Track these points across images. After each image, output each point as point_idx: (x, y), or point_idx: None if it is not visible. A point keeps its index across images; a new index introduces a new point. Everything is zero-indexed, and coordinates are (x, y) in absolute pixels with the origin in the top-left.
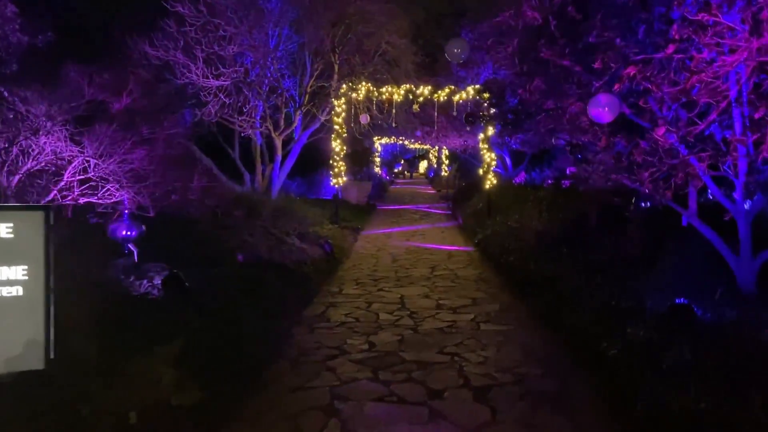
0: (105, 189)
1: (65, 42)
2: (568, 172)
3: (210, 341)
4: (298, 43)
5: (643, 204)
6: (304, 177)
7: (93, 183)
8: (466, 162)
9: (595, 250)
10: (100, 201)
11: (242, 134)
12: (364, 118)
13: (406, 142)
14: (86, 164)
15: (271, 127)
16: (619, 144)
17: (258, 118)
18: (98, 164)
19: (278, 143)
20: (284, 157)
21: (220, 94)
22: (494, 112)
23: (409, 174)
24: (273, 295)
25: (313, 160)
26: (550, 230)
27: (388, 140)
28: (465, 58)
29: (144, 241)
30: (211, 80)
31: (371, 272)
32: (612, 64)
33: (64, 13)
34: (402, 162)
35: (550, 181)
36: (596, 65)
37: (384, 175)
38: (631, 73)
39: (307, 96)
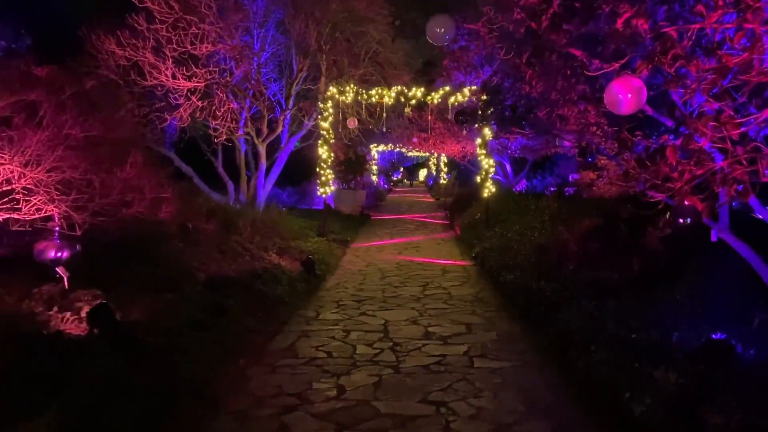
0: (31, 203)
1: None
2: (570, 179)
3: (123, 399)
4: (285, 44)
5: (681, 220)
6: (296, 186)
7: (17, 196)
8: (465, 169)
9: (605, 267)
10: (25, 217)
11: (216, 140)
12: (352, 122)
13: (404, 150)
14: (11, 174)
15: (253, 134)
16: (640, 145)
17: (242, 123)
18: (24, 173)
19: (262, 150)
20: (270, 165)
21: (193, 97)
22: (491, 111)
23: (409, 182)
24: (234, 325)
25: (305, 169)
26: (553, 244)
27: (385, 147)
28: (450, 38)
29: (86, 263)
30: (182, 81)
31: (356, 292)
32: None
33: (36, 16)
34: (401, 170)
35: (552, 189)
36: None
37: (382, 183)
38: (660, 50)
39: (291, 100)
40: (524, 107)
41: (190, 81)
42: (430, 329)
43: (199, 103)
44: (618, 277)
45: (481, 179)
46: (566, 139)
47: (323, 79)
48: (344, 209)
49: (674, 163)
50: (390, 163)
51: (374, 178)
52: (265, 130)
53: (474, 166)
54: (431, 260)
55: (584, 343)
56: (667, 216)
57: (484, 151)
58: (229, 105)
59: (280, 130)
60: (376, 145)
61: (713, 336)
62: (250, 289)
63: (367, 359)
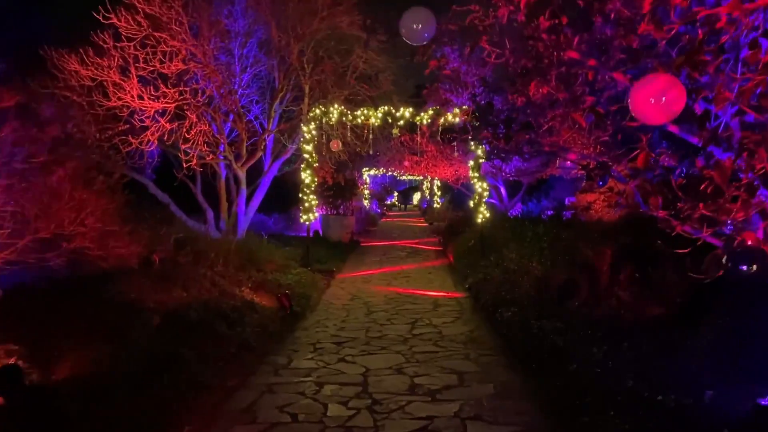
0: None
1: None
2: (567, 202)
3: None
4: (267, 65)
5: (745, 267)
6: (282, 212)
7: None
8: (458, 193)
9: (615, 304)
10: None
11: (185, 165)
12: (336, 144)
13: (396, 174)
14: None
15: (231, 158)
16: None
17: (221, 148)
18: None
19: (241, 175)
20: (253, 191)
21: (161, 119)
22: (480, 126)
23: (403, 206)
24: (185, 381)
25: (292, 194)
26: (554, 275)
27: (377, 171)
28: (429, 37)
29: (14, 309)
30: (148, 101)
31: (337, 331)
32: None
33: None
34: (395, 194)
35: (550, 212)
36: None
37: (374, 207)
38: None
39: (273, 121)
40: (519, 123)
41: (157, 102)
42: (416, 380)
43: (168, 126)
44: (630, 317)
45: (475, 204)
46: (568, 159)
47: (306, 99)
48: (333, 236)
49: (725, 189)
50: (382, 187)
51: (366, 202)
52: (244, 153)
53: (468, 189)
54: (422, 292)
55: (599, 406)
56: (719, 258)
57: (477, 174)
58: (201, 127)
59: (260, 153)
60: (367, 169)
61: (761, 401)
62: (212, 333)
63: (339, 424)
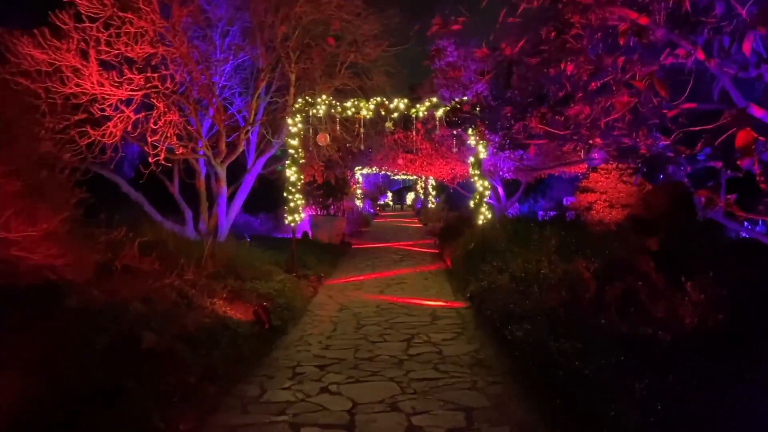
0: None
1: None
2: (565, 202)
3: None
4: (251, 53)
5: None
6: (269, 213)
7: None
8: (454, 193)
9: (642, 317)
10: None
11: (152, 160)
12: (323, 139)
13: (389, 173)
14: None
15: (210, 153)
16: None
17: (200, 144)
18: None
19: (221, 172)
20: (235, 190)
21: (126, 108)
22: (496, 108)
23: (399, 206)
24: (123, 426)
25: (279, 194)
26: (569, 286)
27: (370, 170)
28: None
29: None
30: (110, 88)
31: (321, 351)
32: None
33: None
34: (388, 194)
35: (552, 213)
36: None
37: (367, 208)
38: None
39: (252, 113)
40: (547, 98)
41: (120, 89)
42: (414, 419)
43: (133, 116)
44: (667, 334)
45: (475, 204)
46: (604, 145)
47: (292, 89)
48: (322, 238)
49: None
50: (376, 187)
51: (358, 202)
52: (223, 148)
53: (464, 189)
54: (418, 301)
55: None
56: None
57: (477, 172)
58: (170, 117)
59: (241, 149)
60: (360, 167)
61: None
62: (171, 358)
63: None
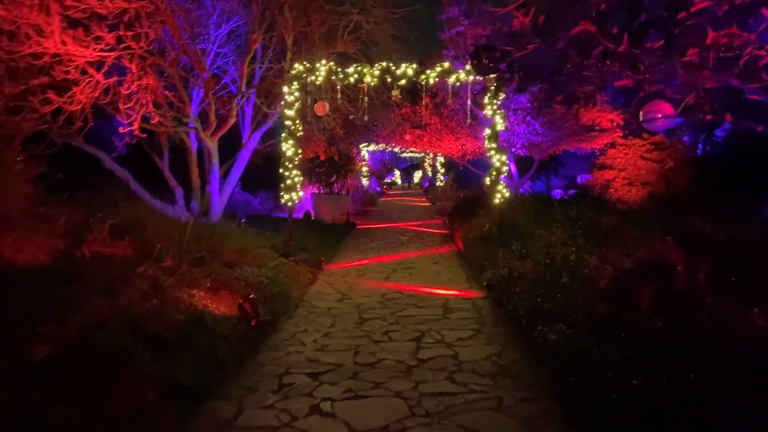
0: None
1: None
2: (580, 180)
3: None
4: (245, 17)
5: None
6: (271, 191)
7: None
8: (464, 171)
9: (704, 317)
10: None
11: (123, 131)
12: (322, 108)
13: (396, 149)
14: None
15: (198, 126)
16: None
17: (193, 113)
18: None
19: (212, 146)
20: (229, 166)
21: (95, 72)
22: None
23: (407, 184)
24: None
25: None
26: (609, 276)
27: (376, 147)
28: None
29: None
30: (76, 47)
31: (315, 352)
32: None
33: None
34: (396, 171)
35: (572, 191)
36: None
37: (374, 186)
38: None
39: (243, 79)
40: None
41: (88, 49)
42: None
43: (102, 80)
44: (736, 336)
45: (492, 181)
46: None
47: (289, 54)
48: (326, 217)
49: None
50: (382, 164)
51: (365, 180)
52: (213, 119)
53: (475, 166)
54: (428, 289)
55: None
56: None
57: (494, 145)
58: (146, 81)
59: (233, 120)
60: (366, 144)
61: None
62: (124, 370)
63: None
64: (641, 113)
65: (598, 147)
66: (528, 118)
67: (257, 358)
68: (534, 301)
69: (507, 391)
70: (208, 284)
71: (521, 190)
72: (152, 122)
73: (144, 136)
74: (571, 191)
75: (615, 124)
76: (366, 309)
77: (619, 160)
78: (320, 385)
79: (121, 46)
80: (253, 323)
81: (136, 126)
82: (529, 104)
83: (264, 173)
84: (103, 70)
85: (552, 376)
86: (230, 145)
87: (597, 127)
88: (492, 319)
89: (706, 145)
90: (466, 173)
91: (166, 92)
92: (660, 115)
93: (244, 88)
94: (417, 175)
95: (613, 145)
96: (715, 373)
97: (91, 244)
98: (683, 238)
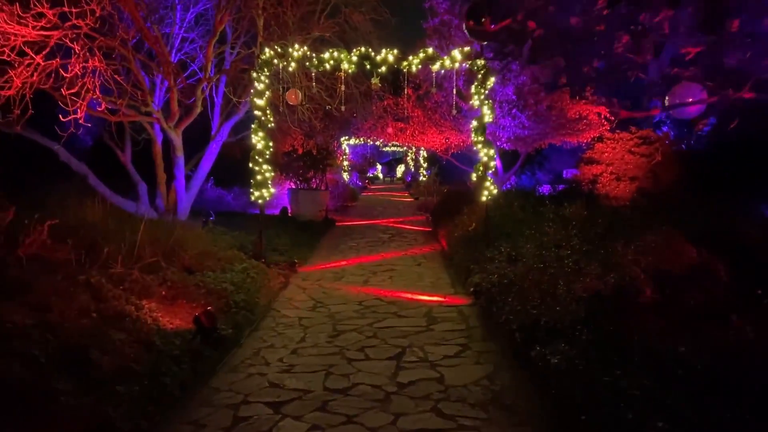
0: None
1: None
2: (565, 175)
3: None
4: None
5: None
6: (245, 186)
7: None
8: (448, 165)
9: (731, 337)
10: None
11: (65, 119)
12: (294, 96)
13: (378, 143)
14: None
15: (160, 116)
16: None
17: (157, 105)
18: None
19: (176, 138)
20: (198, 160)
21: (35, 55)
22: None
23: (389, 179)
24: None
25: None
26: (615, 288)
27: (357, 141)
28: None
29: None
30: (11, 26)
31: (280, 375)
32: None
33: None
34: (378, 166)
35: (561, 187)
36: None
37: (355, 180)
38: None
39: (209, 64)
40: None
41: (27, 27)
42: None
43: (42, 63)
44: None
45: (479, 176)
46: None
47: (260, 38)
48: (304, 214)
49: None
50: (364, 159)
51: (345, 175)
52: (176, 109)
53: (459, 160)
54: (410, 295)
55: None
56: None
57: (481, 138)
58: (92, 64)
59: (198, 109)
60: (347, 138)
61: None
62: (38, 406)
63: None
64: (666, 98)
65: (585, 141)
66: (514, 111)
67: (211, 383)
68: (529, 313)
69: (501, 428)
70: (163, 293)
71: (506, 185)
72: (98, 109)
73: (89, 125)
74: (560, 186)
75: (602, 117)
76: (341, 319)
77: (606, 154)
78: (282, 420)
79: (67, 24)
80: (210, 338)
81: (81, 114)
82: (515, 97)
83: (238, 168)
84: (44, 52)
85: (550, 400)
86: (202, 138)
87: (584, 120)
88: (480, 331)
89: (690, 140)
90: (450, 167)
91: (117, 77)
92: (690, 99)
93: (211, 73)
94: (400, 170)
95: (600, 139)
96: (744, 409)
97: (26, 248)
98: (704, 242)
